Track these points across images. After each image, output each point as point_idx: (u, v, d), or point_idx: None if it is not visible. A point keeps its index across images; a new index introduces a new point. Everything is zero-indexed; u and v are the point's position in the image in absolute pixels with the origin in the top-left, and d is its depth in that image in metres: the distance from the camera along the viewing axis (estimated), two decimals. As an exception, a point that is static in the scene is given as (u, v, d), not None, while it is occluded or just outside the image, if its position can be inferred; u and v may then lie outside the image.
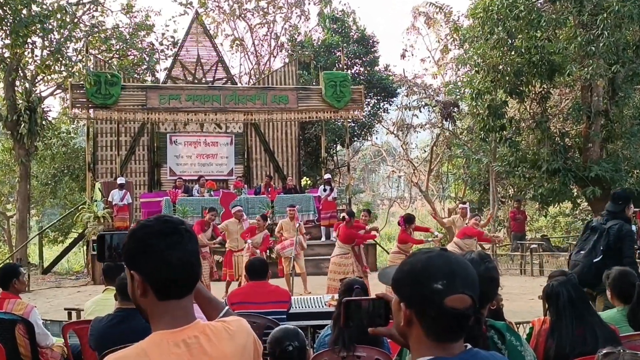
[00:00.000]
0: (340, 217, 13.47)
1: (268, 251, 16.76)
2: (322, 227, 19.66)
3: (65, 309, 9.34)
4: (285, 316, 6.45)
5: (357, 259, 12.76)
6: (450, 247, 12.77)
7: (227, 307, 2.20)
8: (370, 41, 30.18)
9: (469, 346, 1.95)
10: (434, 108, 29.71)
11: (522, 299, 13.21)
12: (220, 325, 2.07)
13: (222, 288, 13.46)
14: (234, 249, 13.71)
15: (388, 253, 13.69)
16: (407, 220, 12.64)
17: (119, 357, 1.94)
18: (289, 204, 15.96)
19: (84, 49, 21.65)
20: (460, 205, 15.43)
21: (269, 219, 15.01)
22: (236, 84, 26.25)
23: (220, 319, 2.16)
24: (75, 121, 27.47)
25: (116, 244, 2.36)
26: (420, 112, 30.98)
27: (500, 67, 19.97)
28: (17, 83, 22.41)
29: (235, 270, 13.60)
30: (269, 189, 20.44)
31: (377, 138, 39.10)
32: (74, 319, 8.58)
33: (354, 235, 12.70)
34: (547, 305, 4.60)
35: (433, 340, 1.88)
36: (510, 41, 19.62)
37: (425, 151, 36.16)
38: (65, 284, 18.19)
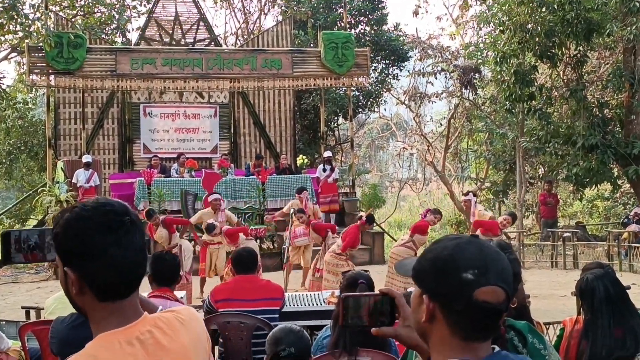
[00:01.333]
0: (357, 217, 13.55)
1: (259, 240, 16.84)
2: (321, 214, 19.67)
3: (22, 308, 9.36)
4: (277, 315, 6.48)
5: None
6: None
7: (160, 307, 2.21)
8: (378, -4, 30.07)
9: (497, 348, 1.97)
10: (452, 74, 29.62)
11: (553, 296, 13.30)
12: (170, 315, 2.11)
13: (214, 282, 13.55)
14: (209, 241, 13.77)
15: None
16: (434, 211, 12.91)
17: None
18: (297, 188, 15.87)
19: (43, 5, 21.56)
20: (463, 198, 15.33)
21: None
22: (221, 46, 26.17)
23: (168, 309, 2.18)
24: (34, 90, 27.41)
25: (25, 237, 2.32)
26: (436, 78, 30.92)
27: (529, 26, 19.89)
28: (-35, 45, 22.37)
29: (209, 265, 13.67)
30: (259, 169, 20.45)
31: (385, 109, 38.98)
32: (32, 319, 8.61)
33: (357, 240, 12.72)
34: (580, 303, 4.62)
35: (459, 339, 1.89)
36: (540, -5, 19.56)
37: (441, 125, 36.11)
38: (23, 278, 18.23)
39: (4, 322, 8.43)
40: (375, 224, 13.76)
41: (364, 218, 13.00)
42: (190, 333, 2.11)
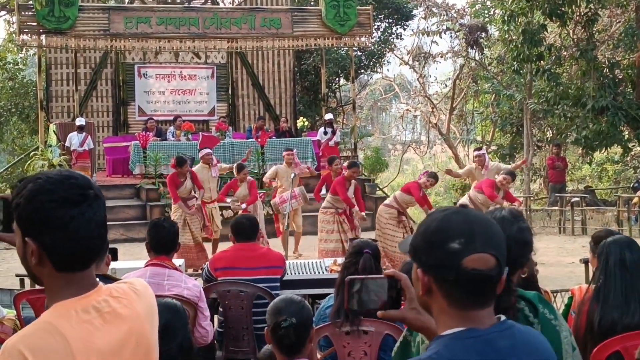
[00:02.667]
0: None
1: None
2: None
3: (16, 275, 9.42)
4: (278, 284, 6.51)
5: (348, 219, 12.79)
6: (464, 199, 12.83)
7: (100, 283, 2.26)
8: (381, -49, 29.78)
9: (503, 317, 2.03)
10: (458, 33, 29.49)
11: (560, 263, 13.35)
12: (125, 286, 2.22)
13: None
14: (206, 200, 13.81)
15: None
16: (429, 174, 12.72)
17: (22, 338, 1.98)
18: (285, 148, 15.86)
19: (33, -38, 21.40)
20: (476, 153, 15.14)
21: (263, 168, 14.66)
22: (218, 4, 26.01)
23: (121, 281, 2.29)
24: (24, 49, 27.26)
25: None
26: (441, 38, 30.82)
27: (538, -18, 19.77)
28: (-47, 3, 22.24)
29: (213, 225, 13.77)
30: (260, 132, 20.43)
31: (388, 70, 38.87)
32: (27, 287, 8.65)
33: (340, 188, 12.53)
34: (595, 267, 4.66)
35: (457, 309, 1.97)
36: (550, -49, 19.41)
37: (446, 86, 36.02)
38: (16, 245, 18.31)
39: (-3, 290, 8.47)
40: (359, 168, 13.74)
41: (343, 165, 13.12)
42: (144, 303, 2.22)
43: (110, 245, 5.67)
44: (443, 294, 1.97)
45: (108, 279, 4.94)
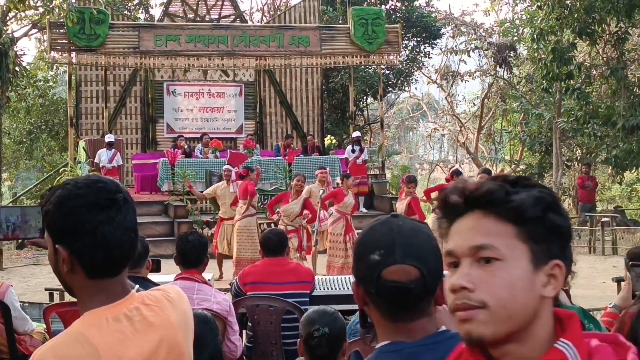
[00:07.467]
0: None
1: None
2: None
3: (46, 289, 9.46)
4: (307, 299, 6.47)
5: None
6: None
7: (136, 287, 2.23)
8: (409, -30, 29.86)
9: (443, 328, 1.96)
10: (486, 52, 29.45)
11: (591, 283, 13.21)
12: (158, 293, 2.18)
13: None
14: (223, 216, 13.94)
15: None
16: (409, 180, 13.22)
17: (52, 347, 1.97)
18: (318, 166, 15.73)
19: (64, -20, 21.63)
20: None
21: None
22: (247, 22, 26.15)
23: (155, 288, 2.25)
24: (55, 67, 27.58)
25: (5, 217, 2.32)
26: (469, 56, 30.75)
27: (568, 1, 19.70)
28: (-15, 21, 22.48)
29: (222, 241, 13.71)
30: (287, 150, 20.45)
31: (416, 88, 38.84)
32: (56, 300, 8.68)
33: (335, 194, 13.12)
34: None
35: (388, 321, 1.93)
36: (580, -31, 19.37)
37: (474, 104, 35.95)
38: (44, 260, 18.36)
39: (27, 304, 8.51)
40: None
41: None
42: (177, 311, 2.18)
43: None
44: (374, 305, 1.93)
45: (147, 282, 4.96)
